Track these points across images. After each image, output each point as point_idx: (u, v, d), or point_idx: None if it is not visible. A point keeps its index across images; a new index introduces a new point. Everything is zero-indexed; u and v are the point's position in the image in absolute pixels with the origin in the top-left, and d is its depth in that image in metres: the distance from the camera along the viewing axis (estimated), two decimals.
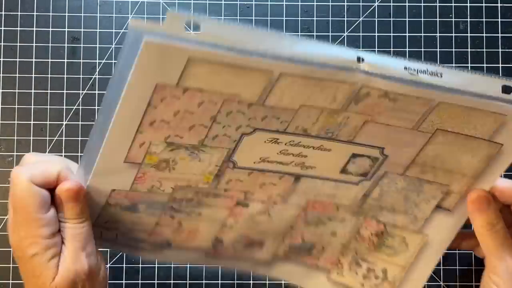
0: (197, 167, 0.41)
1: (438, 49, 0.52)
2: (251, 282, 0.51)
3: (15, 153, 0.52)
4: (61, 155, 0.51)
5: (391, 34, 0.54)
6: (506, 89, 0.39)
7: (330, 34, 0.54)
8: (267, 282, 0.50)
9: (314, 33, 0.54)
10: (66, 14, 0.52)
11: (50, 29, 0.52)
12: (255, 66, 0.36)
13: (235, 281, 0.50)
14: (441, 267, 0.51)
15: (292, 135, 0.40)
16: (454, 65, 0.52)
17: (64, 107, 0.52)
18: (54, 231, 0.36)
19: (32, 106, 0.52)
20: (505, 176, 0.46)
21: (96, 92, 0.52)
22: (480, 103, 0.40)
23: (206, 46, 0.34)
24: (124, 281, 0.50)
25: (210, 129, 0.39)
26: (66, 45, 0.52)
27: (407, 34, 0.54)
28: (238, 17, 0.54)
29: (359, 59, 0.37)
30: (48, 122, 0.52)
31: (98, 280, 0.39)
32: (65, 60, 0.52)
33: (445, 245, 0.46)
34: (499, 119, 0.41)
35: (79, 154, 0.51)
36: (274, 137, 0.41)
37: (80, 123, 0.52)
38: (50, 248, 0.36)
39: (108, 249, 0.49)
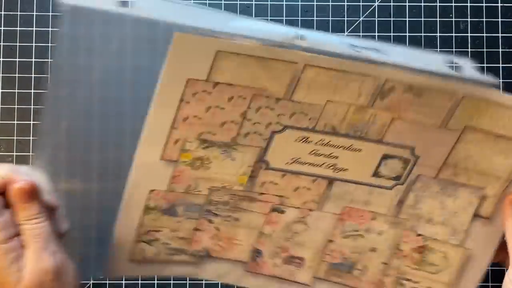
0: (231, 166, 0.42)
1: (438, 49, 0.52)
2: None
3: (15, 153, 0.52)
4: None
5: (391, 34, 0.54)
6: (452, 67, 0.41)
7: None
8: None
9: None
10: None
11: (50, 29, 0.52)
12: (280, 57, 0.38)
13: None
14: None
15: (321, 133, 0.41)
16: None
17: None
18: (10, 235, 0.35)
19: (32, 106, 0.52)
20: None
21: None
22: (503, 98, 0.40)
23: (233, 38, 0.37)
24: (124, 281, 0.50)
25: (241, 126, 0.41)
26: None
27: (407, 34, 0.54)
28: None
29: (300, 37, 0.38)
30: None
31: (67, 281, 0.37)
32: None
33: (488, 257, 0.45)
34: None
35: None
36: (304, 136, 0.42)
37: None
38: (9, 253, 0.35)
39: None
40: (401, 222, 0.45)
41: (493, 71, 0.52)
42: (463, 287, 0.46)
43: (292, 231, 0.45)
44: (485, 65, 0.52)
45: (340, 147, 0.42)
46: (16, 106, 0.52)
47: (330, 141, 0.42)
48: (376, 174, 0.43)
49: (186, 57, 0.38)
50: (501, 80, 0.52)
